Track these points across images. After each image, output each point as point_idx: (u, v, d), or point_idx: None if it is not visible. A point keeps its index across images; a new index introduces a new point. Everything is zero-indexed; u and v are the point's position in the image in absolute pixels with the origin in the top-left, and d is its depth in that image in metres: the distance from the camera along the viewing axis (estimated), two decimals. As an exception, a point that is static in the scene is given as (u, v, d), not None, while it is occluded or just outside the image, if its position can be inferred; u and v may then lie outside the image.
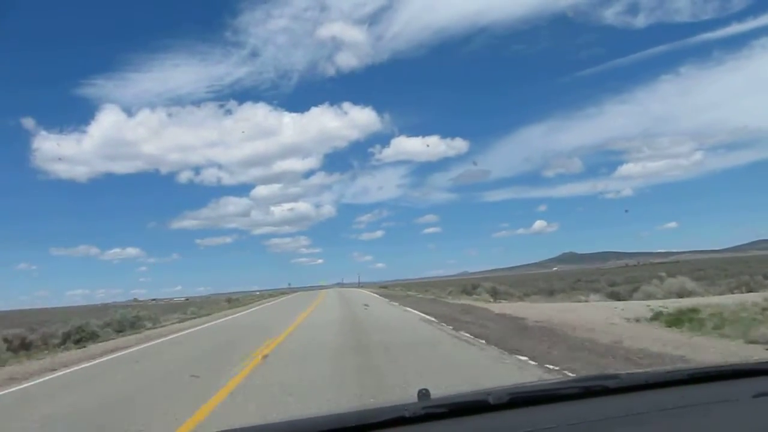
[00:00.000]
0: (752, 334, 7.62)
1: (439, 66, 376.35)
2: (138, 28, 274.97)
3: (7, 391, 8.27)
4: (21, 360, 12.04)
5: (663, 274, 28.62)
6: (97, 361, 11.26)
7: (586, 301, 22.12)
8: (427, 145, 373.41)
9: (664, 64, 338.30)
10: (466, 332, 10.69)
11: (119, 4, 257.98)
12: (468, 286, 33.84)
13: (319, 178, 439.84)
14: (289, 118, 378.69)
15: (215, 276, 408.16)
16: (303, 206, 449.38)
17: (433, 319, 14.53)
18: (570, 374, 5.93)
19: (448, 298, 27.97)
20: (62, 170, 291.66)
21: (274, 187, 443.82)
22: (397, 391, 5.80)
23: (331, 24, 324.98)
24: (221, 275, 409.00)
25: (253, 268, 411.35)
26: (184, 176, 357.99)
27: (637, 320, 11.35)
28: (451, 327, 12.03)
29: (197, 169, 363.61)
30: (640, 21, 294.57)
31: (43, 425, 5.83)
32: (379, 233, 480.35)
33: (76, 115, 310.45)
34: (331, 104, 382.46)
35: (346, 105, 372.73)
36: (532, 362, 6.94)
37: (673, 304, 14.41)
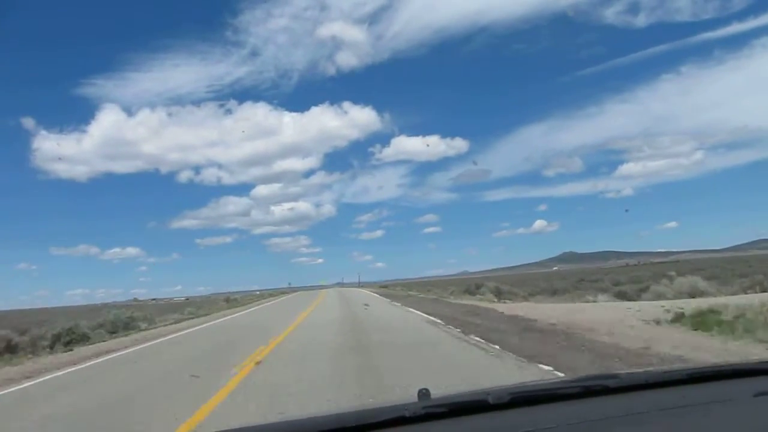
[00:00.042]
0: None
1: (440, 65, 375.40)
2: (138, 28, 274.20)
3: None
4: (-2, 366, 11.32)
5: (673, 273, 27.95)
6: (78, 367, 10.47)
7: (594, 302, 21.46)
8: (427, 145, 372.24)
9: (665, 64, 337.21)
10: (477, 335, 9.96)
11: (119, 4, 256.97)
12: (471, 285, 33.17)
13: (319, 178, 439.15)
14: (289, 118, 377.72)
15: (215, 276, 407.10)
16: (303, 206, 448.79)
17: (438, 320, 13.78)
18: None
19: (451, 298, 27.30)
20: (62, 170, 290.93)
21: (274, 187, 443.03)
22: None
23: (331, 23, 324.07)
24: (221, 275, 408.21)
25: (253, 267, 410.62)
26: (184, 176, 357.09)
27: (657, 322, 10.68)
28: (459, 330, 11.23)
29: (197, 169, 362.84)
30: (641, 20, 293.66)
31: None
32: (379, 233, 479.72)
33: (76, 114, 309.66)
34: (332, 104, 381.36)
35: (347, 104, 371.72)
36: (558, 373, 6.25)
37: (687, 305, 13.81)
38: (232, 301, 49.55)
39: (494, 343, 8.63)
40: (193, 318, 26.56)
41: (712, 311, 11.04)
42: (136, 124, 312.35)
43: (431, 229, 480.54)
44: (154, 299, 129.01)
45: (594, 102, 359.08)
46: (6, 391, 8.22)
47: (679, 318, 10.78)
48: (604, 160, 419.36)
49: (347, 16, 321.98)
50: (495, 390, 1.61)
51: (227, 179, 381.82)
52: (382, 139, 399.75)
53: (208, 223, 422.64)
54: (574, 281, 50.80)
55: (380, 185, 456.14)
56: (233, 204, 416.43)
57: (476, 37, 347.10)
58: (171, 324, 22.55)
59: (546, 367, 6.61)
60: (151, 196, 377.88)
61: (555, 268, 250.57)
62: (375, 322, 15.28)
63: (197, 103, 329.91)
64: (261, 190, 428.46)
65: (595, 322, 11.17)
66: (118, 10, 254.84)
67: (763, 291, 20.17)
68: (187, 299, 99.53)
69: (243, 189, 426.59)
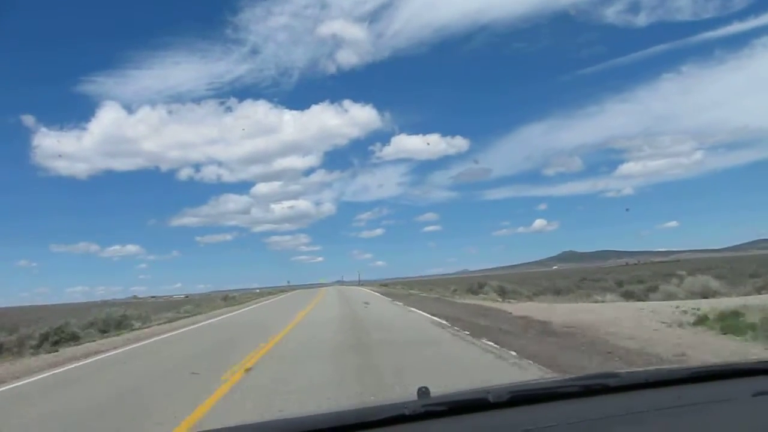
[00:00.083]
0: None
1: (440, 64, 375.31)
2: (138, 26, 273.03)
3: None
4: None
5: (682, 272, 27.27)
6: (56, 371, 9.72)
7: (602, 302, 20.78)
8: (428, 143, 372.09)
9: (666, 63, 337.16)
10: (488, 339, 9.22)
11: (119, 2, 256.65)
12: (473, 285, 32.50)
13: (319, 176, 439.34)
14: (289, 116, 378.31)
15: (215, 273, 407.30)
16: (303, 204, 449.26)
17: (444, 322, 13.04)
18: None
19: (455, 298, 26.62)
20: (62, 167, 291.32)
21: (275, 185, 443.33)
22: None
23: (331, 21, 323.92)
24: (221, 273, 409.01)
25: (253, 265, 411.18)
26: (185, 173, 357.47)
27: (679, 324, 10.00)
28: (467, 332, 10.49)
29: (197, 167, 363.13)
30: (641, 20, 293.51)
31: None
32: (379, 231, 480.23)
33: (76, 112, 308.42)
34: (332, 102, 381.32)
35: (347, 103, 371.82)
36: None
37: (704, 306, 13.22)
38: (230, 299, 48.86)
39: (510, 349, 7.87)
40: (187, 317, 25.87)
41: (735, 313, 10.38)
42: (136, 121, 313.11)
43: (431, 228, 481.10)
44: (153, 297, 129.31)
45: (594, 101, 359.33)
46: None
47: (702, 320, 10.11)
48: (604, 159, 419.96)
49: (348, 15, 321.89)
50: (495, 388, 1.61)
51: (227, 177, 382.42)
52: (383, 137, 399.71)
53: (208, 221, 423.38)
54: (577, 280, 50.09)
55: (380, 184, 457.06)
56: (233, 202, 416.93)
57: (477, 36, 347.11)
58: (165, 323, 21.86)
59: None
60: (151, 193, 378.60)
61: (555, 267, 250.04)
62: (376, 323, 14.71)
63: (197, 100, 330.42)
64: (261, 188, 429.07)
65: (613, 324, 10.50)
66: (119, 8, 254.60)
67: (778, 291, 19.53)
68: (187, 297, 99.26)
69: (243, 187, 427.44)
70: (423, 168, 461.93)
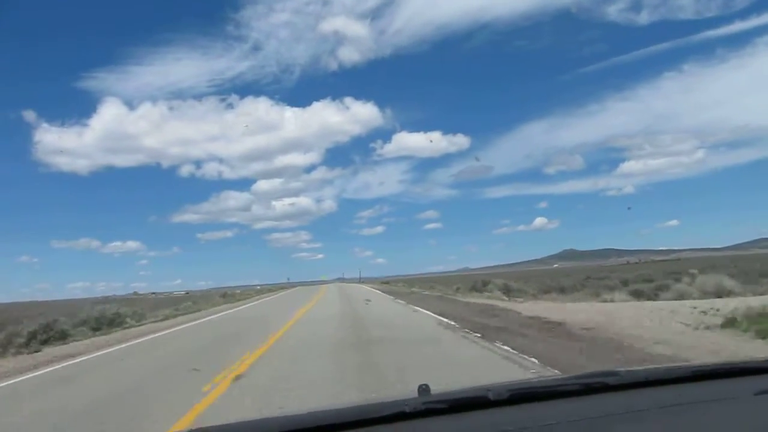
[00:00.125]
0: None
1: (441, 62, 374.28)
2: (139, 22, 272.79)
3: None
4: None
5: (694, 271, 26.58)
6: (28, 375, 8.96)
7: (612, 301, 20.08)
8: (431, 141, 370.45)
9: (667, 62, 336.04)
10: (502, 343, 8.44)
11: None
12: (477, 283, 31.79)
13: (320, 173, 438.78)
14: (290, 113, 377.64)
15: (216, 270, 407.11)
16: (304, 201, 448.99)
17: (451, 322, 12.30)
18: None
19: (458, 296, 25.93)
20: (63, 163, 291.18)
21: (275, 182, 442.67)
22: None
23: (333, 18, 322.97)
24: (222, 269, 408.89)
25: (253, 262, 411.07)
26: (185, 170, 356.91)
27: (706, 327, 9.30)
28: (478, 335, 9.69)
29: (198, 163, 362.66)
30: (643, 18, 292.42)
31: None
32: (379, 229, 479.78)
33: (77, 108, 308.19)
34: (333, 99, 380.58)
35: (348, 100, 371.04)
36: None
37: (721, 305, 12.60)
38: (228, 296, 48.24)
39: (530, 355, 7.09)
40: (183, 314, 25.22)
41: (764, 315, 9.71)
42: (137, 117, 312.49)
43: (432, 226, 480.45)
44: (153, 293, 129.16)
45: (595, 99, 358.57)
46: None
47: (730, 322, 9.42)
48: (605, 157, 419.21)
49: (349, 12, 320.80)
50: (495, 386, 1.60)
51: (228, 174, 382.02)
52: (384, 134, 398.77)
53: (209, 218, 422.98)
54: (580, 279, 49.42)
55: (381, 181, 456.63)
56: (234, 199, 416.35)
57: (478, 34, 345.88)
58: (161, 320, 21.19)
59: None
60: (152, 190, 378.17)
61: (555, 266, 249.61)
62: (378, 322, 14.11)
63: (198, 97, 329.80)
64: (262, 185, 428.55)
65: (633, 326, 9.81)
66: (120, 4, 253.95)
67: (796, 291, 18.87)
68: (187, 293, 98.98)
69: (244, 184, 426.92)
70: (424, 166, 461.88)
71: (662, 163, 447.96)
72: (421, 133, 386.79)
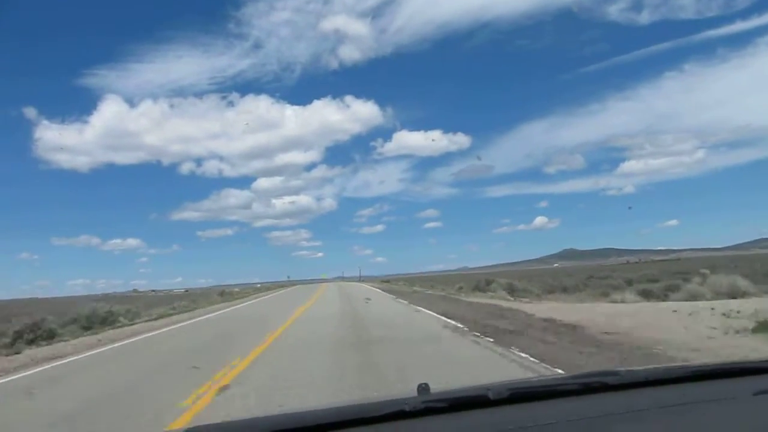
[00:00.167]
0: None
1: (442, 60, 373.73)
2: (141, 19, 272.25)
3: None
4: None
5: (706, 271, 25.94)
6: None
7: (623, 302, 19.40)
8: (433, 140, 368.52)
9: (668, 61, 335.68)
10: (520, 350, 7.60)
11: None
12: (481, 282, 31.10)
13: (320, 172, 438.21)
14: (291, 111, 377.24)
15: (216, 268, 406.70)
16: (304, 199, 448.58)
17: (459, 325, 11.50)
18: None
19: (462, 296, 25.24)
20: (64, 160, 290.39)
21: (276, 180, 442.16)
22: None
23: (334, 17, 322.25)
24: (222, 267, 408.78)
25: (253, 260, 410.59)
26: (186, 168, 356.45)
27: (737, 332, 8.63)
28: (491, 340, 8.85)
29: (199, 161, 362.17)
30: (645, 17, 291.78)
31: None
32: (379, 227, 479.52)
33: (78, 105, 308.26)
34: (334, 97, 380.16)
35: (349, 98, 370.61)
36: None
37: (741, 307, 12.02)
38: (227, 294, 47.63)
39: (553, 364, 6.35)
40: (181, 313, 24.54)
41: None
42: (138, 115, 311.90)
43: (432, 225, 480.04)
44: (153, 291, 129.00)
45: (596, 99, 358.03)
46: None
47: (764, 326, 8.74)
48: (605, 157, 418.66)
49: (350, 10, 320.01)
50: (495, 385, 1.60)
51: (229, 172, 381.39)
52: (384, 133, 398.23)
53: (209, 216, 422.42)
54: (582, 278, 48.79)
55: (381, 180, 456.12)
56: (234, 196, 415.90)
57: (479, 33, 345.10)
58: (154, 320, 20.51)
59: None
60: (152, 187, 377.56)
61: (555, 265, 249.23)
62: (379, 322, 13.49)
63: (199, 95, 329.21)
64: (262, 183, 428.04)
65: (657, 330, 9.15)
66: (121, 2, 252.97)
67: (813, 292, 18.22)
68: (187, 291, 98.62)
69: (244, 182, 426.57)
70: (424, 164, 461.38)
71: (663, 163, 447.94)
72: (422, 132, 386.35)
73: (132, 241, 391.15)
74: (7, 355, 10.76)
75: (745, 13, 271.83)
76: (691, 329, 9.15)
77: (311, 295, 36.78)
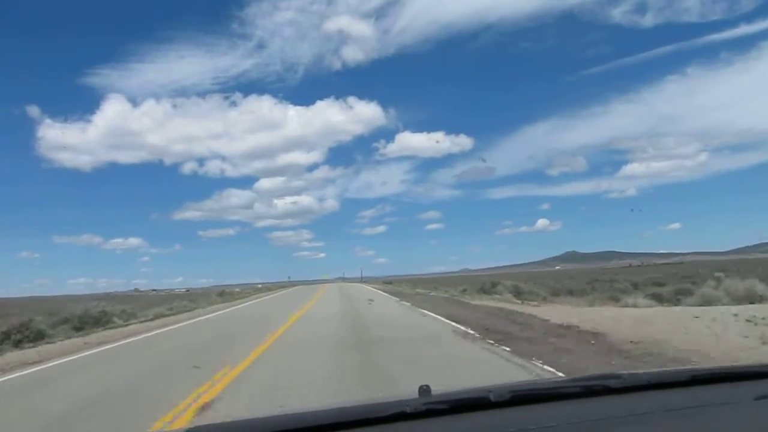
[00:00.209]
0: None
1: (446, 62, 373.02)
2: (143, 19, 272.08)
3: None
4: None
5: (720, 274, 25.29)
6: None
7: (635, 306, 18.71)
8: (437, 141, 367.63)
9: (671, 64, 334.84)
10: (545, 363, 6.78)
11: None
12: (486, 284, 30.43)
13: (322, 172, 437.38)
14: (294, 111, 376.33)
15: (217, 268, 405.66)
16: (306, 200, 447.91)
17: (470, 331, 10.76)
18: None
19: (467, 298, 24.57)
20: (66, 159, 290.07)
21: (278, 180, 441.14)
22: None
23: (337, 17, 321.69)
24: (223, 267, 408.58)
25: (255, 260, 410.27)
26: (188, 167, 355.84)
27: (775, 341, 7.95)
28: (508, 349, 8.06)
29: (201, 161, 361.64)
30: (648, 20, 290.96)
31: None
32: (381, 228, 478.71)
33: (80, 104, 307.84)
34: (337, 98, 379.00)
35: (352, 99, 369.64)
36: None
37: (763, 312, 11.42)
38: (226, 294, 47.01)
39: None
40: (179, 313, 23.93)
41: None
42: (140, 114, 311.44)
43: (434, 226, 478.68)
44: (154, 290, 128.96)
45: (599, 101, 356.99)
46: None
47: (803, 335, 8.08)
48: (607, 159, 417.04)
49: (354, 11, 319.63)
50: (496, 387, 1.59)
51: (231, 172, 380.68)
52: (387, 134, 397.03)
53: (211, 216, 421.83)
54: (586, 281, 48.16)
55: (384, 181, 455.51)
56: (236, 197, 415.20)
57: (483, 34, 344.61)
58: (150, 320, 19.87)
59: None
60: (154, 187, 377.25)
61: (557, 268, 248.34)
62: (380, 324, 12.93)
63: (202, 94, 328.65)
64: (264, 183, 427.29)
65: (685, 338, 8.47)
66: (124, 1, 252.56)
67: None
68: (188, 291, 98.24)
69: (246, 182, 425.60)
70: (426, 166, 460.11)
71: (665, 166, 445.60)
72: (424, 133, 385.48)
73: (134, 241, 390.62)
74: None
75: (749, 17, 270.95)
76: (722, 338, 8.47)
77: (312, 295, 36.33)
